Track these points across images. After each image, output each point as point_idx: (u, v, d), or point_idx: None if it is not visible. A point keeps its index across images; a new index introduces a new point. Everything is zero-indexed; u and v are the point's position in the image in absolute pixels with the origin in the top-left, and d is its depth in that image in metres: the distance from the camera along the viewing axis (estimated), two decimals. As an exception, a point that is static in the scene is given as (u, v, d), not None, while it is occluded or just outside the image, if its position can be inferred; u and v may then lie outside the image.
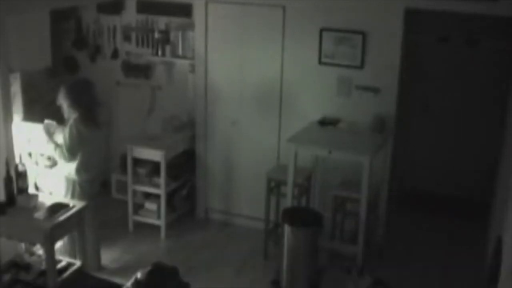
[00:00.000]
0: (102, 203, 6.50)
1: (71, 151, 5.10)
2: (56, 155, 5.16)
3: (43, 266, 4.70)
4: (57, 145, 5.14)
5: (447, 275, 5.70)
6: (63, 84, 5.24)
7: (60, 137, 5.18)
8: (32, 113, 5.57)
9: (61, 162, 5.20)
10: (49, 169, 5.40)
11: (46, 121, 5.23)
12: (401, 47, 5.67)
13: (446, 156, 7.14)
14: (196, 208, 6.73)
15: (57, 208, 4.70)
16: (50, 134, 5.19)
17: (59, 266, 4.80)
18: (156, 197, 6.27)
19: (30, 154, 5.39)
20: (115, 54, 6.85)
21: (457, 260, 5.95)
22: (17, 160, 4.82)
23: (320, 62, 5.90)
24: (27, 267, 4.80)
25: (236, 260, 5.90)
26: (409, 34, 5.93)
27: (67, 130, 5.10)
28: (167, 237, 6.25)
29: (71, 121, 5.11)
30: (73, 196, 5.17)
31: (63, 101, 5.15)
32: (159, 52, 6.55)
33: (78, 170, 5.17)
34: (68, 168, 5.18)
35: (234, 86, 6.29)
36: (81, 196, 5.14)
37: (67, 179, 5.21)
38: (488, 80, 6.81)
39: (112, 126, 7.10)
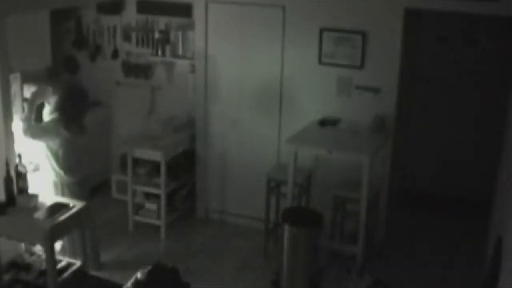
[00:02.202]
0: (102, 203, 6.54)
1: (34, 132, 4.98)
2: (22, 120, 5.01)
3: (43, 266, 4.70)
4: (29, 115, 4.99)
5: (447, 275, 5.70)
6: (59, 86, 5.17)
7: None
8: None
9: (21, 129, 5.01)
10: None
11: (45, 86, 5.13)
12: (401, 47, 5.67)
13: (446, 156, 7.14)
14: (196, 208, 6.73)
15: (57, 208, 4.70)
16: (35, 99, 5.05)
17: (59, 266, 4.80)
18: (156, 197, 6.26)
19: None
20: (115, 54, 6.85)
21: (457, 260, 5.95)
22: (17, 160, 4.82)
23: (320, 62, 5.90)
24: (27, 267, 4.80)
25: (236, 260, 5.90)
26: (409, 34, 5.93)
27: (49, 122, 5.07)
28: (167, 237, 6.25)
29: (53, 118, 5.07)
30: None
31: (51, 100, 5.09)
32: (159, 52, 6.55)
33: (64, 172, 5.15)
34: (53, 170, 5.15)
35: (234, 86, 6.29)
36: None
37: (54, 182, 5.20)
38: (488, 80, 6.81)
39: (112, 126, 7.10)
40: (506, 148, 5.49)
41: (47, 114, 5.13)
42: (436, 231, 6.55)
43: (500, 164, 5.86)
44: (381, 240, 6.02)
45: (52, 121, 5.06)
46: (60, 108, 5.06)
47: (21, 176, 4.71)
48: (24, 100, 5.32)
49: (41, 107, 5.18)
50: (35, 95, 5.08)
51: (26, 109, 5.06)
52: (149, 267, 4.28)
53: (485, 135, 6.89)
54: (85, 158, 5.35)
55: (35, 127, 5.02)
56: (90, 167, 5.53)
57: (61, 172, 5.15)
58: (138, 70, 6.81)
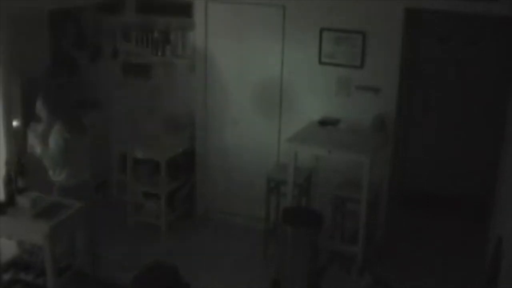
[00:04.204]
0: (102, 203, 6.53)
1: (57, 160, 4.98)
2: (46, 161, 5.00)
3: (43, 266, 4.70)
4: (46, 149, 4.97)
5: (447, 275, 5.70)
6: (39, 93, 5.08)
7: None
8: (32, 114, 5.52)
9: (50, 170, 5.04)
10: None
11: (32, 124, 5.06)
12: (401, 47, 5.68)
13: (446, 156, 7.14)
14: (196, 208, 6.73)
15: (57, 208, 4.70)
16: (39, 136, 5.02)
17: (59, 266, 4.80)
18: (156, 197, 6.26)
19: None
20: (115, 54, 6.84)
21: (457, 260, 5.95)
22: (16, 160, 4.81)
23: (320, 62, 5.91)
24: (27, 267, 4.80)
25: (236, 259, 5.90)
26: (409, 34, 5.93)
27: (52, 139, 4.98)
28: (167, 237, 6.25)
29: (55, 130, 4.99)
30: None
31: (41, 112, 4.99)
32: (159, 52, 6.55)
33: (64, 173, 5.14)
34: (54, 170, 5.14)
35: (234, 86, 6.29)
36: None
37: (55, 182, 5.18)
38: (488, 80, 6.81)
39: (112, 126, 7.10)
40: (506, 148, 5.49)
41: (47, 123, 5.09)
42: (436, 231, 6.55)
43: (501, 164, 5.86)
44: (381, 240, 6.02)
45: (56, 130, 5.02)
46: (49, 111, 4.98)
47: (21, 176, 4.70)
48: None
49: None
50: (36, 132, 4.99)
51: (40, 146, 4.97)
52: (149, 266, 4.29)
53: (485, 135, 6.89)
54: (85, 159, 5.34)
55: (51, 155, 4.96)
56: (90, 168, 5.52)
57: (62, 172, 5.15)
58: (138, 70, 6.81)
